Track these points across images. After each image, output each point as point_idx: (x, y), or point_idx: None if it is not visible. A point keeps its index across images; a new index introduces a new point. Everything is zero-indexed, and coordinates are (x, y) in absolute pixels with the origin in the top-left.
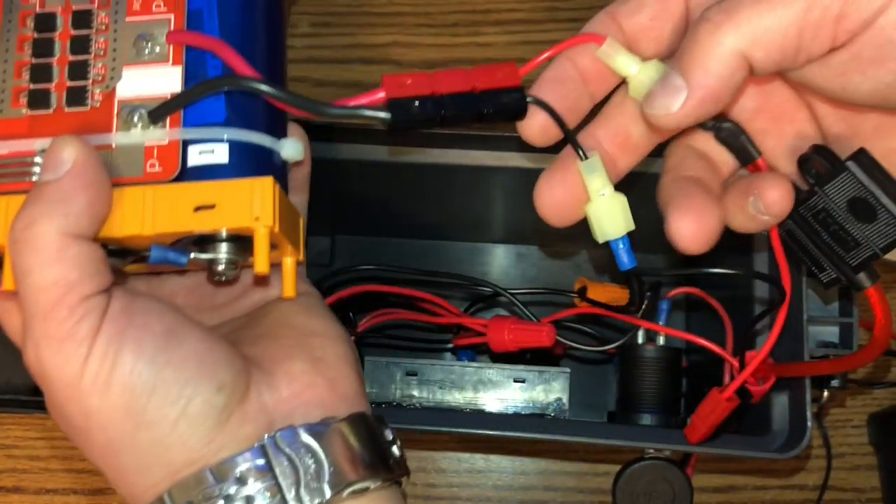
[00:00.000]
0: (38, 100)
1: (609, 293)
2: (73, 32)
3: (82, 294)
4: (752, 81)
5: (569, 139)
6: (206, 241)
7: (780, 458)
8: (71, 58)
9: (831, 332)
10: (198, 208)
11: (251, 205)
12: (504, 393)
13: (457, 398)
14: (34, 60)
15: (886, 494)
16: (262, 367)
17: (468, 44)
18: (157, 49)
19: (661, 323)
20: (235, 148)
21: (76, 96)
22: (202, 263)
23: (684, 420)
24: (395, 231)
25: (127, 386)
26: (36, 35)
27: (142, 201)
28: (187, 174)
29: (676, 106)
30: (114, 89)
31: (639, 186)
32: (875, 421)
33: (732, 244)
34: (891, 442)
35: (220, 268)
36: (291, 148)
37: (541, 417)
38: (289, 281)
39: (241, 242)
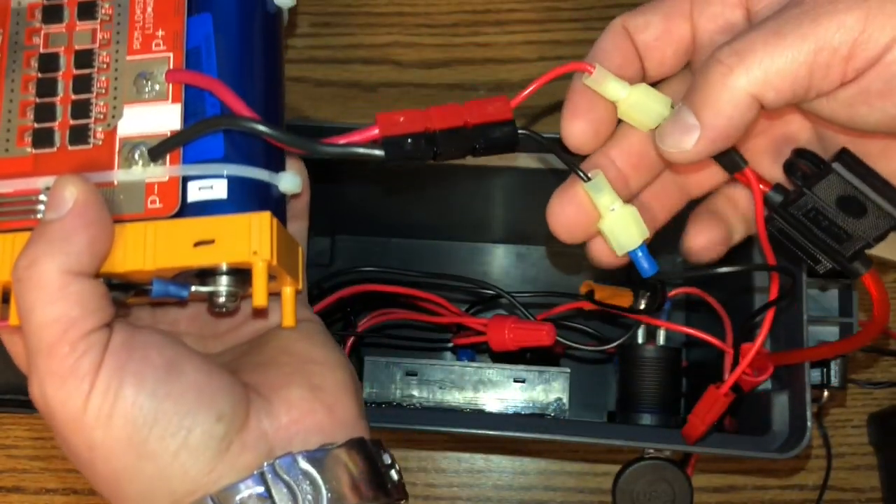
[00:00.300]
0: (43, 138)
1: (615, 295)
2: (75, 72)
3: (84, 330)
4: (763, 116)
5: (568, 165)
6: (206, 275)
7: (780, 458)
8: (74, 97)
9: (831, 333)
10: (198, 243)
11: (249, 239)
12: (504, 393)
13: (457, 398)
14: (38, 100)
15: (886, 494)
16: (261, 395)
17: (468, 44)
18: (157, 87)
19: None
20: (234, 183)
21: (79, 135)
22: (203, 295)
23: (684, 420)
24: (396, 231)
25: (129, 419)
26: (40, 75)
27: (143, 237)
28: (187, 210)
29: (689, 144)
30: (115, 127)
31: None
32: (875, 421)
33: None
34: (891, 442)
35: (221, 300)
36: (289, 181)
37: (541, 417)
38: (288, 310)
39: (241, 274)
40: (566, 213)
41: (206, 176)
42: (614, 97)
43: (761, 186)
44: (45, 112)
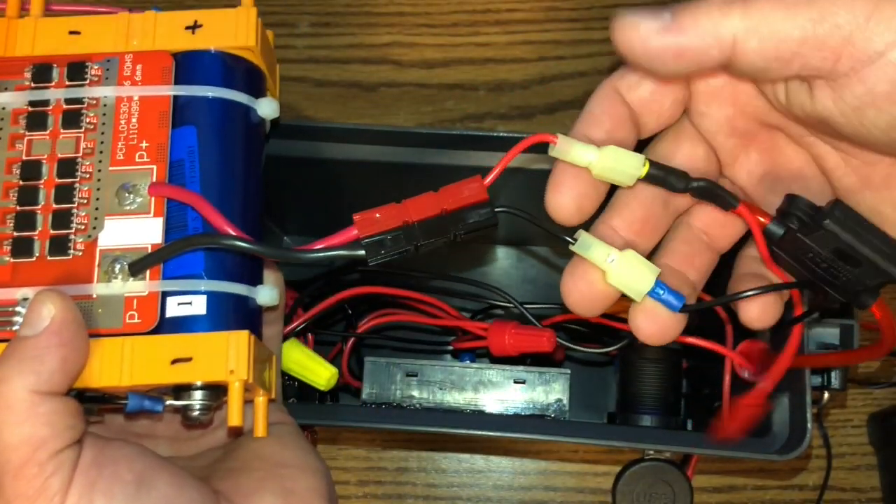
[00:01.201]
0: (22, 248)
1: (622, 303)
2: (57, 181)
3: (53, 450)
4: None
5: (549, 231)
6: (180, 388)
7: (781, 459)
8: (55, 206)
9: (832, 334)
10: (175, 360)
11: (227, 359)
12: (504, 394)
13: (457, 399)
14: (19, 208)
15: (886, 494)
16: (232, 503)
17: (468, 44)
18: (140, 200)
19: None
20: (213, 298)
21: (59, 246)
22: (177, 408)
23: (684, 421)
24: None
25: None
26: (21, 182)
27: (120, 353)
28: (165, 325)
29: (652, 38)
30: (96, 239)
31: None
32: (875, 421)
33: None
34: (891, 442)
35: (195, 414)
36: (266, 295)
37: (541, 418)
38: (260, 420)
39: (215, 388)
40: (579, 290)
41: (186, 292)
42: (583, 162)
43: (761, 219)
44: (25, 221)
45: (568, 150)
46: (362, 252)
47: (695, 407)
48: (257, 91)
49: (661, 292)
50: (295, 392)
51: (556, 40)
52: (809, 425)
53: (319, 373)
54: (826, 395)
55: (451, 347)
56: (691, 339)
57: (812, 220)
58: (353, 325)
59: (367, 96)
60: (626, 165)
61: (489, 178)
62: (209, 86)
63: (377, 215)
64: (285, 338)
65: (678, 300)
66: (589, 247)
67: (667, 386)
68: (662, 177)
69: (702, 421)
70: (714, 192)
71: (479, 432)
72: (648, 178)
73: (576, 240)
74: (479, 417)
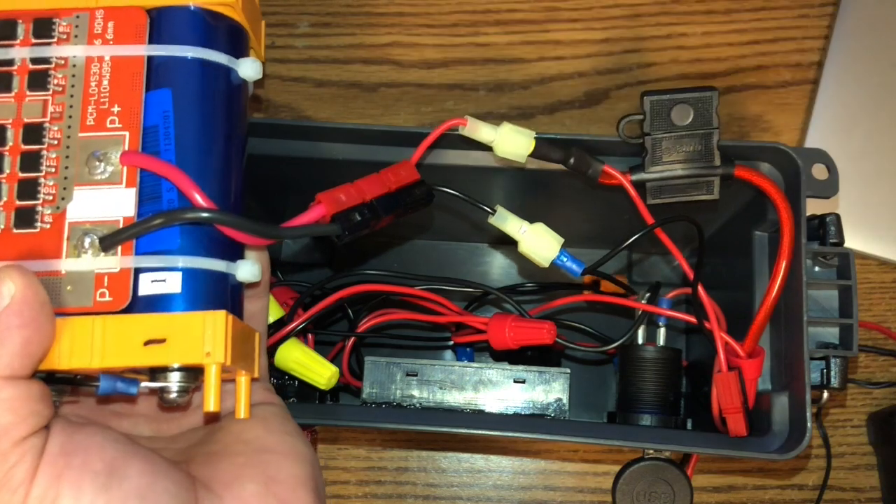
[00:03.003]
0: None
1: (617, 287)
2: (23, 148)
3: (16, 438)
4: None
5: (470, 202)
6: (156, 370)
7: (781, 458)
8: (21, 175)
9: (831, 334)
10: (148, 342)
11: (202, 340)
12: (504, 393)
13: (457, 398)
14: None
15: (886, 494)
16: (212, 491)
17: (468, 44)
18: (111, 169)
19: (661, 323)
20: (189, 276)
21: (25, 218)
22: (153, 390)
23: (684, 421)
24: (396, 232)
25: None
26: None
27: (90, 333)
28: (138, 304)
29: None
30: (64, 210)
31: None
32: (875, 421)
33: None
34: (890, 442)
35: (171, 396)
36: (247, 271)
37: (541, 418)
38: (242, 401)
39: (193, 370)
40: None
41: (160, 269)
42: (488, 140)
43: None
44: None
45: (475, 130)
46: (336, 227)
47: (695, 406)
48: (239, 51)
49: (565, 259)
50: (295, 391)
51: (556, 40)
52: (809, 425)
53: (320, 372)
54: (826, 394)
55: (451, 342)
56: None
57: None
58: (353, 325)
59: (367, 96)
60: (518, 143)
61: (414, 159)
62: (187, 45)
63: (342, 196)
64: (285, 338)
65: (579, 266)
66: (505, 219)
67: (666, 385)
68: (545, 153)
69: (702, 420)
70: (584, 159)
71: (479, 432)
72: (535, 154)
73: (494, 212)
74: (479, 417)
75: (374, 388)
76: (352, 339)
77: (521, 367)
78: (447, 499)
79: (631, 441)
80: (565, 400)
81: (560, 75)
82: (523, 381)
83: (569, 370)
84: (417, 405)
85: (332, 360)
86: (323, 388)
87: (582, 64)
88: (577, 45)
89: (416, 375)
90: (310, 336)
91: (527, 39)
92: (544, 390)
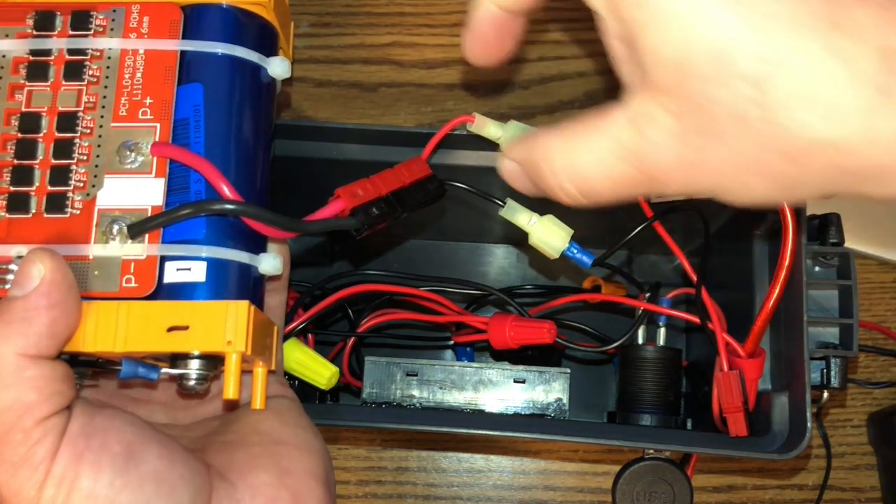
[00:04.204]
0: (18, 204)
1: (617, 291)
2: (57, 135)
3: (39, 416)
4: None
5: (482, 195)
6: (177, 357)
7: (781, 458)
8: (53, 162)
9: (832, 334)
10: (171, 328)
11: (224, 329)
12: (504, 393)
13: (457, 398)
14: (16, 162)
15: (886, 494)
16: (226, 479)
17: None
18: (141, 159)
19: (661, 323)
20: (213, 265)
21: (56, 203)
22: (172, 377)
23: (684, 420)
24: (396, 231)
25: None
26: (20, 135)
27: (115, 318)
28: (162, 291)
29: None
30: (94, 197)
31: None
32: (875, 421)
33: None
34: (890, 442)
35: (191, 383)
36: (269, 264)
37: (541, 418)
38: (258, 392)
39: (213, 358)
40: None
41: (186, 257)
42: (494, 137)
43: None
44: (22, 175)
45: (483, 126)
46: (355, 221)
47: (695, 406)
48: (269, 49)
49: (575, 251)
50: (295, 391)
51: (556, 40)
52: (809, 425)
53: (320, 372)
54: (826, 394)
55: (451, 342)
56: (690, 316)
57: None
58: (352, 325)
59: (367, 96)
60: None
61: (424, 154)
62: (218, 42)
63: (359, 191)
64: (286, 338)
65: (589, 257)
66: (515, 211)
67: (666, 385)
68: None
69: (702, 420)
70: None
71: (479, 432)
72: None
73: (504, 204)
74: (479, 417)
75: (374, 388)
76: (352, 339)
77: (521, 367)
78: (447, 499)
79: (631, 441)
80: (565, 400)
81: (560, 75)
82: (523, 381)
83: (569, 370)
84: (417, 405)
85: (332, 360)
86: (323, 388)
87: (582, 64)
88: (577, 45)
89: (416, 375)
90: (310, 336)
91: (527, 39)
92: (544, 390)
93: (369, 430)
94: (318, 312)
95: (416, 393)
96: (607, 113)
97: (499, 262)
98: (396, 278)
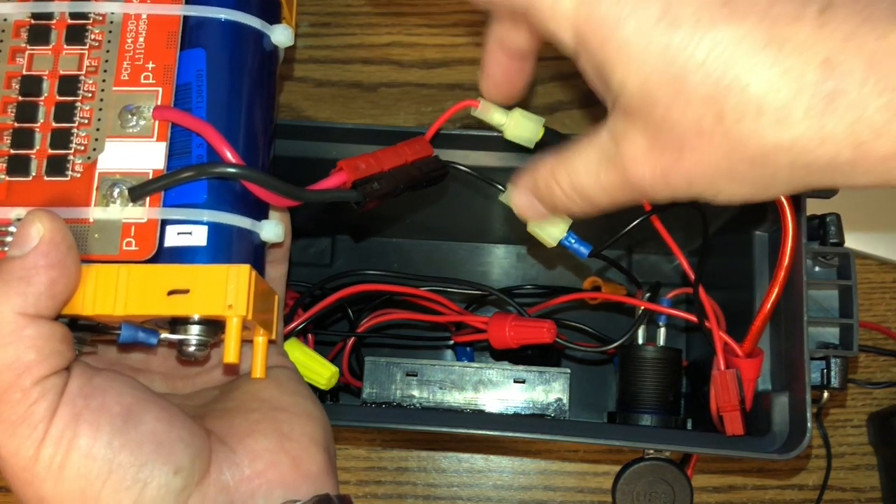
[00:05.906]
0: (18, 167)
1: (617, 291)
2: (58, 98)
3: (38, 376)
4: None
5: (483, 179)
6: (177, 322)
7: (781, 459)
8: (54, 125)
9: (832, 334)
10: (172, 292)
11: (225, 292)
12: (504, 393)
13: (457, 398)
14: (17, 125)
15: (886, 494)
16: (225, 444)
17: (468, 44)
18: (143, 123)
19: (661, 323)
20: (214, 230)
21: (57, 166)
22: (172, 342)
23: (684, 420)
24: (396, 231)
25: (81, 471)
26: (21, 98)
27: (115, 281)
28: (163, 255)
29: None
30: (95, 161)
31: None
32: (875, 421)
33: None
34: (890, 442)
35: (190, 349)
36: (271, 230)
37: (541, 418)
38: (259, 361)
39: (213, 323)
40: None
41: (187, 221)
42: (499, 124)
43: None
44: (23, 138)
45: (487, 111)
46: (357, 194)
47: (695, 406)
48: (272, 17)
49: (572, 241)
50: None
51: None
52: (809, 425)
53: (320, 372)
54: (826, 394)
55: (451, 342)
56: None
57: None
58: (353, 325)
59: (367, 96)
60: (527, 128)
61: (428, 135)
62: (222, 7)
63: (362, 165)
64: (286, 338)
65: (586, 248)
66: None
67: (666, 385)
68: (553, 143)
69: (702, 420)
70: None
71: (479, 432)
72: (543, 142)
73: (504, 190)
74: (479, 417)
75: (374, 388)
76: (352, 339)
77: (521, 367)
78: (447, 499)
79: (631, 441)
80: (565, 400)
81: (559, 75)
82: (523, 381)
83: (569, 370)
84: (417, 405)
85: (332, 360)
86: (323, 388)
87: None
88: None
89: (416, 375)
90: (310, 336)
91: None
92: (544, 390)
93: (369, 430)
94: (317, 312)
95: (416, 393)
96: (597, 129)
97: (499, 262)
98: (396, 278)
